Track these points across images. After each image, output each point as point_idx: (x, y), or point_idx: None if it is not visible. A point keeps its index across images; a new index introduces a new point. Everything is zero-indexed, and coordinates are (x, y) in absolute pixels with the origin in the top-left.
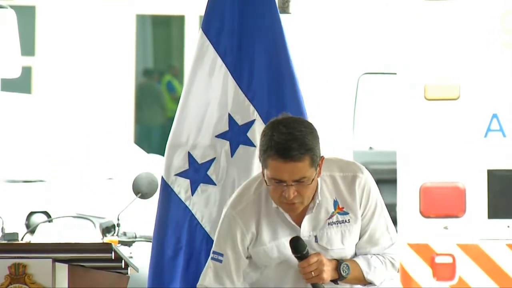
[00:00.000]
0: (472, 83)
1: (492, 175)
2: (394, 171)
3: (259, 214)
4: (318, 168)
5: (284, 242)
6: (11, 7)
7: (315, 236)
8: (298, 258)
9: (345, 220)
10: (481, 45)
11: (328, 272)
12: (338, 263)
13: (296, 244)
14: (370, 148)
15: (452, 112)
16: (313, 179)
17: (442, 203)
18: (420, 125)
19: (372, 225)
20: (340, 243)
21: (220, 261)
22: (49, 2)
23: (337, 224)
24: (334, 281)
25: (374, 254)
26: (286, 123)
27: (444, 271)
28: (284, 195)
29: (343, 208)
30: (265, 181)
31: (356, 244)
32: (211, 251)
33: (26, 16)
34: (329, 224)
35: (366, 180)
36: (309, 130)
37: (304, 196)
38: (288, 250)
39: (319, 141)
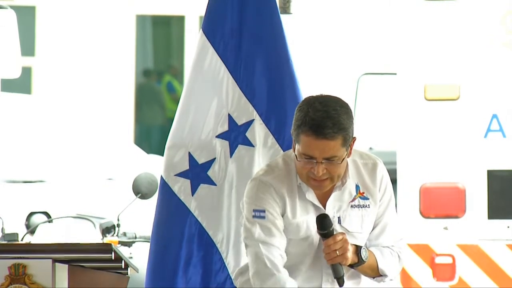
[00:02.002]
0: (472, 83)
1: (492, 175)
2: (394, 171)
3: (291, 186)
4: (349, 148)
5: (310, 219)
6: (11, 7)
7: (339, 217)
8: (323, 236)
9: (366, 205)
10: (481, 45)
11: (351, 253)
12: (357, 247)
13: (324, 221)
14: (370, 148)
15: (452, 113)
16: (343, 159)
17: (442, 203)
18: (420, 125)
19: (386, 216)
20: (360, 227)
21: (263, 217)
22: (49, 3)
23: (358, 207)
24: (351, 266)
25: (384, 246)
26: (322, 101)
27: (444, 272)
28: (312, 171)
29: (363, 193)
30: (296, 156)
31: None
32: (251, 212)
33: (26, 16)
34: (351, 206)
35: (384, 170)
36: (344, 110)
37: (333, 174)
38: (313, 228)
39: (353, 121)
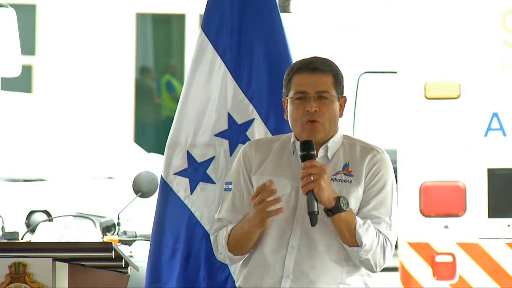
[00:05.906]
0: (473, 82)
1: (492, 174)
2: (394, 170)
3: (270, 148)
4: (340, 101)
5: (280, 181)
6: (11, 5)
7: None
8: (303, 158)
9: (348, 180)
10: (481, 44)
11: (327, 187)
12: (338, 196)
13: (307, 143)
14: None
15: (452, 111)
16: (334, 104)
17: (442, 202)
18: (420, 124)
19: (378, 199)
20: None
21: (230, 189)
22: (49, 1)
23: (339, 181)
24: (328, 212)
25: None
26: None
27: (444, 270)
28: (306, 109)
29: (351, 171)
30: (289, 108)
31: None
32: (224, 184)
33: (26, 15)
34: (331, 179)
35: (382, 159)
36: (335, 65)
37: (325, 115)
38: (281, 190)
39: (343, 77)
